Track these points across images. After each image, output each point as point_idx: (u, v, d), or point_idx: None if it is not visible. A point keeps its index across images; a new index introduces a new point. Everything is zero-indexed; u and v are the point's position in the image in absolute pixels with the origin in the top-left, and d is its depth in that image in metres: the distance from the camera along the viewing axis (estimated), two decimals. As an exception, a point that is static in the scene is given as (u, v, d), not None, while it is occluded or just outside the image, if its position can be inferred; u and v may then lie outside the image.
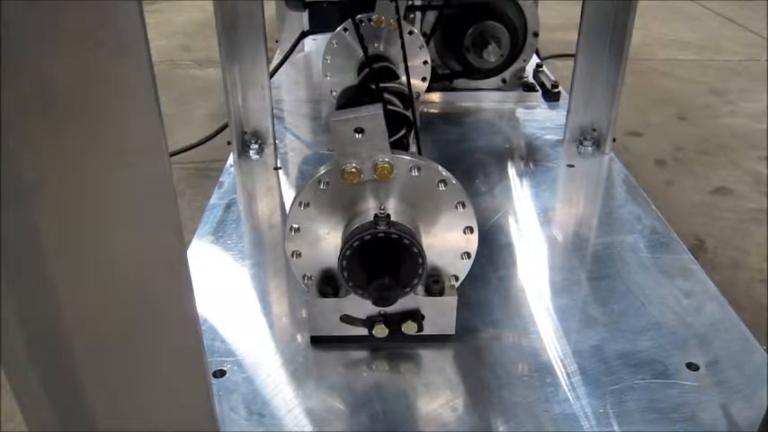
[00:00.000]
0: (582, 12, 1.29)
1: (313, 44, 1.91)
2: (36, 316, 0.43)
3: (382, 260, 0.73)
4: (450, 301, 0.80)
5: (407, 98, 1.07)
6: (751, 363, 0.81)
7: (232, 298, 0.93)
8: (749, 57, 2.65)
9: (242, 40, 1.26)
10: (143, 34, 0.41)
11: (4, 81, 0.38)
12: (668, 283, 0.95)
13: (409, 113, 1.04)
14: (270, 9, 1.45)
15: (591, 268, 1.00)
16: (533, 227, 1.11)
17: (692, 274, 0.98)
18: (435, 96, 1.62)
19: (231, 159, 1.31)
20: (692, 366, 0.80)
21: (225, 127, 1.61)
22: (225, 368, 0.80)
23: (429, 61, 1.38)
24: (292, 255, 0.80)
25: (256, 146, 1.34)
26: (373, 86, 1.09)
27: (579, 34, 1.30)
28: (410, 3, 1.48)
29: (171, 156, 0.72)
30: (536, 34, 1.55)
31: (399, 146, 0.94)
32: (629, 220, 1.12)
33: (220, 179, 1.25)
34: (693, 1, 3.46)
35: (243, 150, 1.34)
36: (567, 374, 0.79)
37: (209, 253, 1.03)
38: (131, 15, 0.41)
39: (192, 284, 0.50)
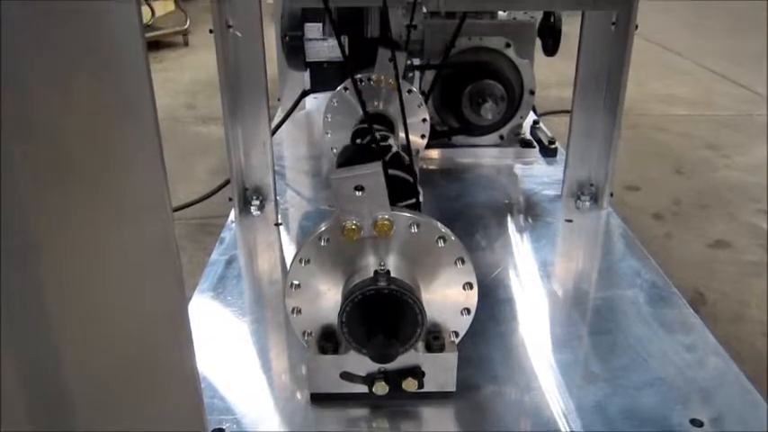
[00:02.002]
0: (576, 69, 1.32)
1: (314, 102, 1.94)
2: (37, 372, 0.43)
3: (382, 317, 0.73)
4: (450, 358, 0.80)
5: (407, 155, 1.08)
6: (755, 417, 0.80)
7: (231, 354, 0.93)
8: (742, 112, 2.70)
9: (244, 98, 1.29)
10: (150, 97, 0.43)
11: (14, 139, 0.39)
12: (669, 338, 0.95)
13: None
14: (272, 68, 1.49)
15: (592, 323, 1.00)
16: (533, 282, 1.11)
17: (692, 327, 0.98)
18: (434, 153, 1.65)
19: (232, 215, 1.33)
20: (696, 422, 0.79)
21: (226, 183, 1.62)
22: (224, 426, 0.79)
23: (428, 119, 1.40)
24: (292, 311, 0.80)
25: (257, 202, 1.35)
26: (373, 146, 1.11)
27: (574, 91, 1.33)
28: (409, 62, 1.51)
29: (173, 211, 0.73)
30: (532, 92, 1.59)
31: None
32: (628, 275, 1.12)
33: (221, 235, 1.26)
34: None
35: (244, 206, 1.35)
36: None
37: (210, 309, 1.03)
38: (139, 79, 0.42)
39: (192, 342, 0.50)
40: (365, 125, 1.21)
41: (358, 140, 1.21)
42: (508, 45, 1.55)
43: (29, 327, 0.43)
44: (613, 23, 1.25)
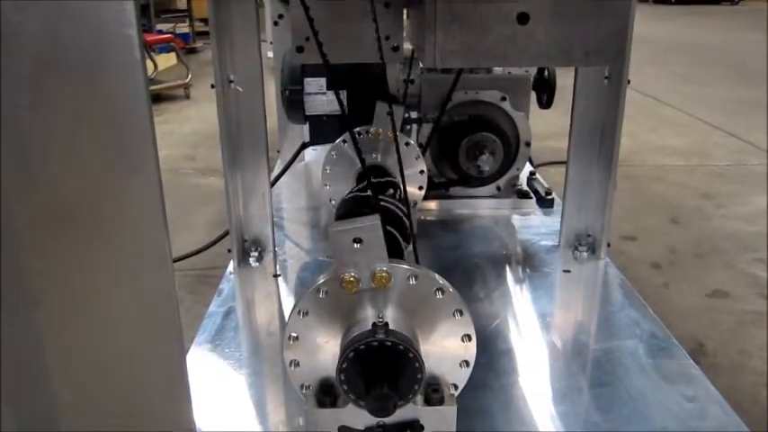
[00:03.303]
0: (571, 121, 1.34)
1: (313, 154, 1.97)
2: (34, 425, 0.43)
3: (380, 369, 0.72)
4: (449, 411, 0.79)
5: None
6: (759, 472, 0.79)
7: (228, 408, 0.92)
8: (736, 162, 2.73)
9: (244, 150, 1.31)
10: (154, 155, 0.44)
11: (15, 193, 0.40)
12: (670, 389, 0.94)
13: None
14: (271, 121, 1.51)
15: (592, 374, 0.99)
16: (532, 333, 1.11)
17: (693, 378, 0.97)
18: (432, 204, 1.66)
19: (231, 266, 1.33)
20: (699, 476, 0.79)
21: (225, 234, 1.63)
22: (220, 483, 0.78)
23: (425, 170, 1.42)
24: (290, 364, 0.80)
25: (256, 253, 1.36)
26: (372, 195, 1.12)
27: (569, 143, 1.35)
28: (406, 115, 1.54)
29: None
30: (528, 144, 1.61)
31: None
32: (627, 325, 1.12)
33: (220, 286, 1.26)
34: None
35: (243, 258, 1.35)
36: (572, 487, 0.77)
37: (207, 361, 1.02)
38: (144, 137, 0.43)
39: (190, 395, 0.50)
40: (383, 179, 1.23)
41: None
42: (504, 98, 1.58)
43: (28, 379, 0.43)
44: (606, 77, 1.28)
